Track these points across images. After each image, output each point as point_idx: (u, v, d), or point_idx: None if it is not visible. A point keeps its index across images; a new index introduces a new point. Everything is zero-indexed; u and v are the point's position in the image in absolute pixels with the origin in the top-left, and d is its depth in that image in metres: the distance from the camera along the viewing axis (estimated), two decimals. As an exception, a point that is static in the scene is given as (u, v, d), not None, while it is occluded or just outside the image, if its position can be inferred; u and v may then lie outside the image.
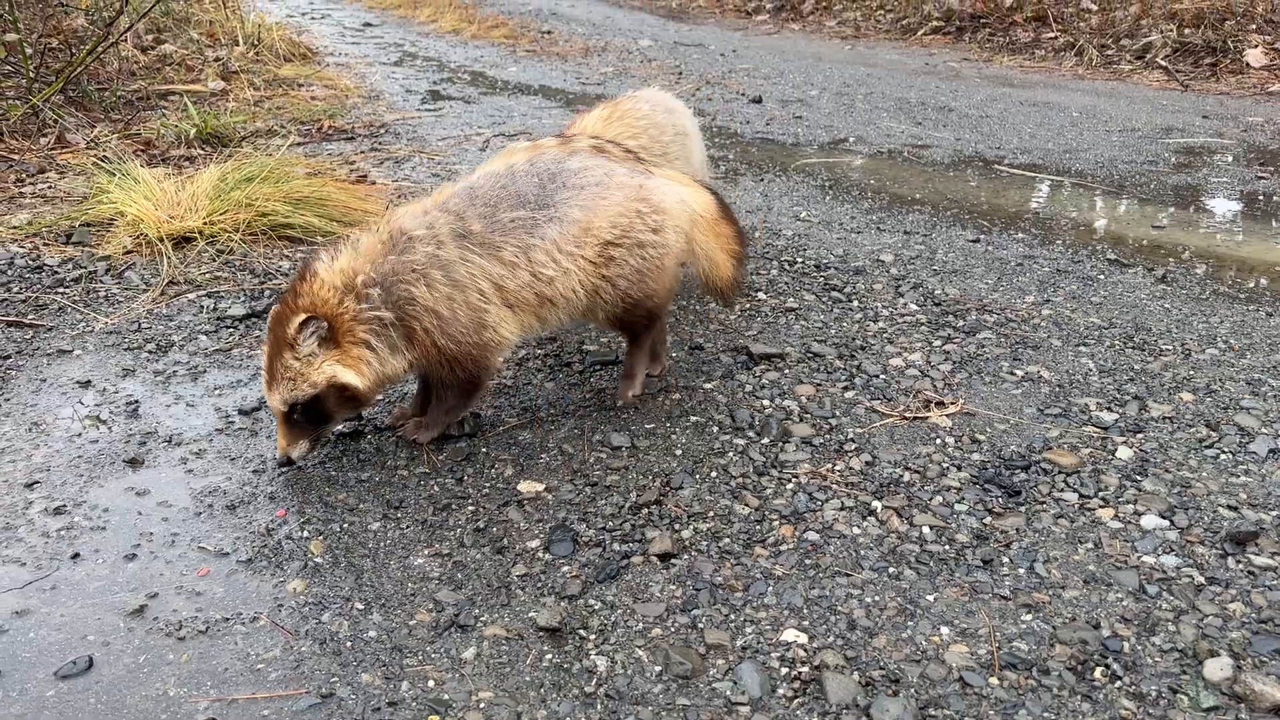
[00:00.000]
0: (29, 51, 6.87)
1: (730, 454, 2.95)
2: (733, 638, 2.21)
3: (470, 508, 2.71)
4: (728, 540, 2.55)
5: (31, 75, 6.80)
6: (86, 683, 2.06)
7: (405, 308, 2.69)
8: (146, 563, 2.44)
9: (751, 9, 14.80)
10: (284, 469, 2.81)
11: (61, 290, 4.04)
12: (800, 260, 4.55)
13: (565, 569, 2.45)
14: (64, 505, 2.66)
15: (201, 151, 6.16)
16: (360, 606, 2.31)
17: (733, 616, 2.28)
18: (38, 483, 2.76)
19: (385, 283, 2.68)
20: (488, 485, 2.82)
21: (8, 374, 3.37)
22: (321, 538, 2.56)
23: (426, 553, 2.51)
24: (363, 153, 6.58)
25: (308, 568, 2.44)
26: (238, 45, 9.45)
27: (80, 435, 3.01)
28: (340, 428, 3.05)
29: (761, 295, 4.13)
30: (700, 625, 2.25)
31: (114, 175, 4.87)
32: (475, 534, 2.59)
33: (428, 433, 3.00)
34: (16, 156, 5.87)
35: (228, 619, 2.25)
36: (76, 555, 2.46)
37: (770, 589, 2.37)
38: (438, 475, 2.86)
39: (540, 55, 11.16)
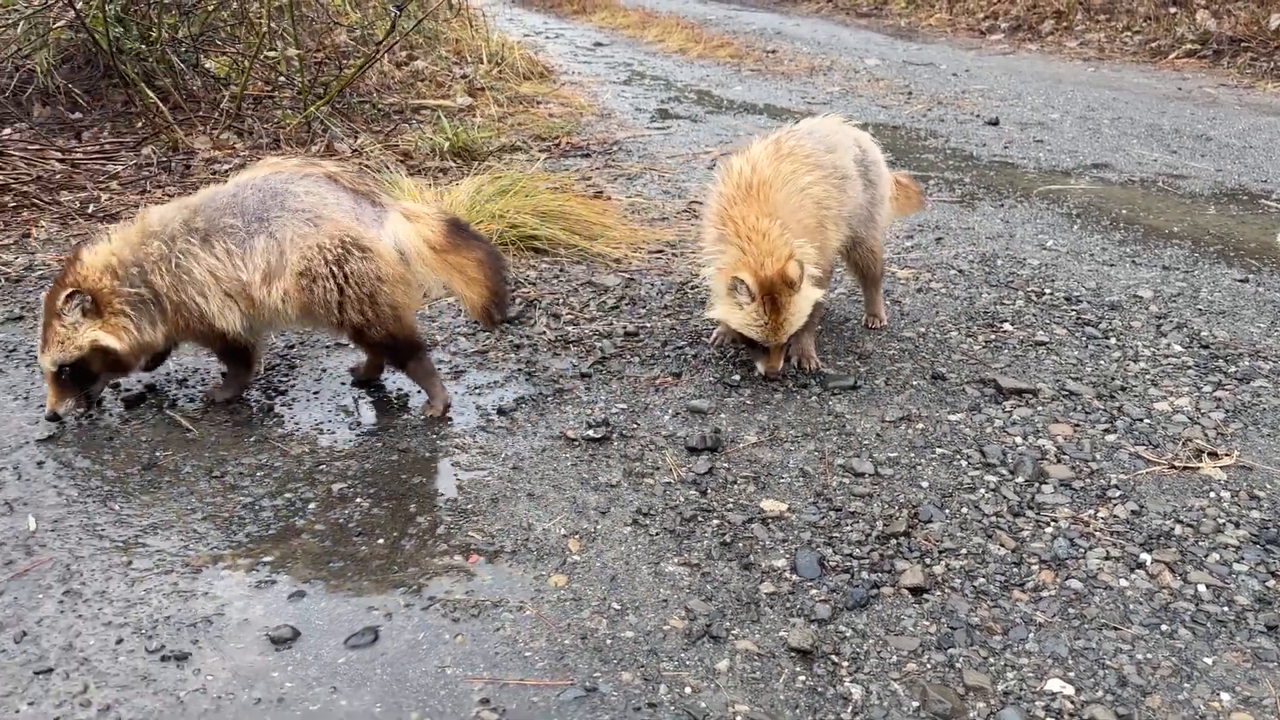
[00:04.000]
0: (298, 65, 7.53)
1: (981, 490, 2.86)
2: (993, 681, 2.15)
3: (715, 521, 2.76)
4: (983, 580, 2.48)
5: (306, 87, 7.45)
6: (372, 654, 2.24)
7: (154, 290, 3.14)
8: (421, 545, 2.62)
9: (985, 28, 14.31)
10: (51, 422, 3.22)
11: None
12: (1049, 291, 4.36)
13: (813, 592, 2.45)
14: (346, 488, 2.90)
15: (453, 164, 6.56)
16: (617, 607, 2.39)
17: (992, 660, 2.21)
18: (322, 464, 3.02)
19: (138, 267, 3.14)
20: (731, 500, 2.86)
21: (293, 362, 3.71)
22: (577, 537, 2.67)
23: (676, 561, 2.58)
24: (597, 169, 6.81)
25: (566, 564, 2.55)
26: (482, 63, 9.99)
27: (359, 423, 3.27)
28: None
29: (1008, 326, 3.99)
30: (958, 665, 2.20)
31: (382, 184, 5.26)
32: (722, 547, 2.63)
33: (222, 393, 3.41)
34: (293, 163, 6.44)
35: (496, 605, 2.39)
36: (360, 533, 2.67)
37: (1031, 635, 2.29)
38: (682, 485, 2.93)
39: (765, 74, 11.21)
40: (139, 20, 6.96)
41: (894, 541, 2.64)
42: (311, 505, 2.80)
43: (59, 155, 6.15)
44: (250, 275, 3.10)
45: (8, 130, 6.48)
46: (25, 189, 5.55)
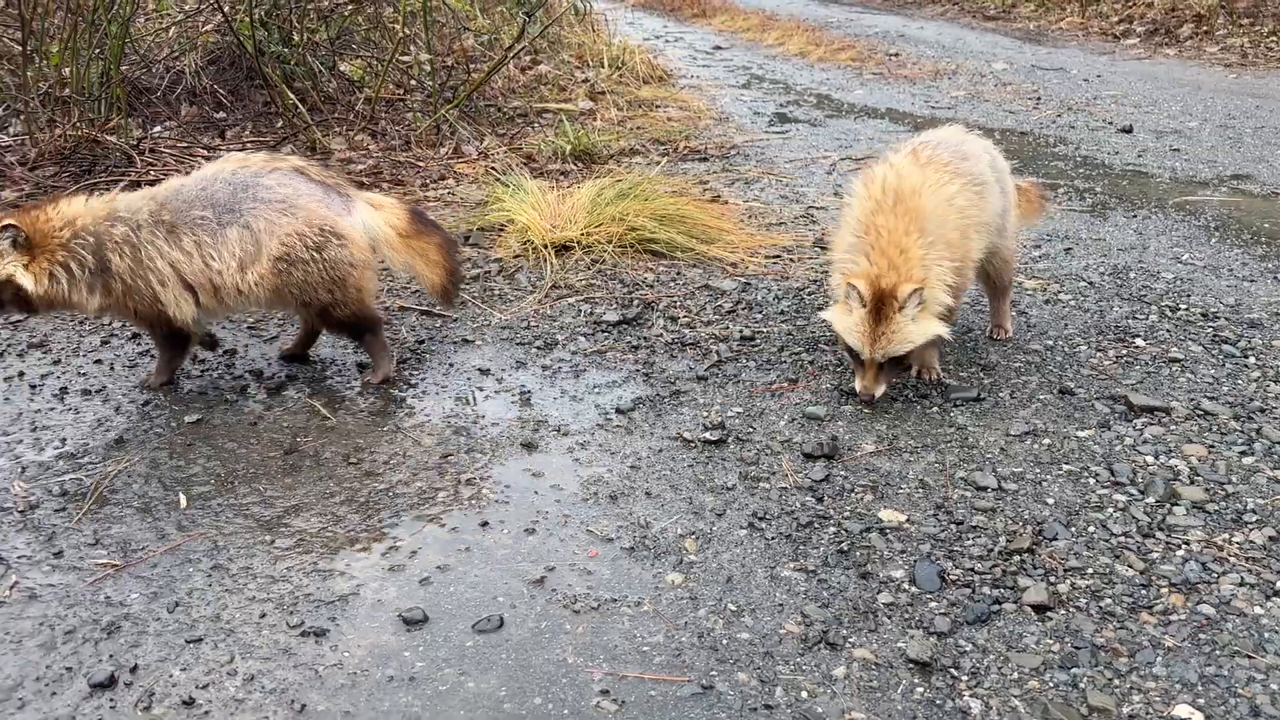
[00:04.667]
0: (429, 70, 7.78)
1: (1109, 510, 2.80)
2: (1118, 704, 2.11)
3: (831, 528, 2.76)
4: (1109, 601, 2.43)
5: (436, 91, 7.70)
6: (498, 639, 2.32)
7: (105, 265, 3.30)
8: (543, 538, 2.71)
9: (1120, 32, 13.79)
10: None
11: (462, 286, 4.54)
12: (1184, 307, 4.20)
13: (932, 604, 2.44)
14: (473, 478, 3.01)
15: (574, 167, 6.68)
16: (733, 608, 2.43)
17: (1117, 682, 2.17)
18: (450, 455, 3.14)
19: (97, 240, 3.30)
20: (848, 509, 2.86)
21: (422, 356, 3.86)
22: (694, 537, 2.71)
23: (792, 566, 2.60)
24: (715, 173, 6.84)
25: (683, 563, 2.60)
26: (603, 67, 10.14)
27: (484, 417, 3.39)
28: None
29: (1140, 341, 3.87)
30: (1081, 685, 2.16)
31: (508, 186, 5.41)
32: (838, 555, 2.64)
33: (157, 378, 3.59)
34: (422, 164, 6.67)
35: (615, 600, 2.45)
36: (485, 523, 2.78)
37: (1159, 659, 2.23)
38: (798, 491, 2.94)
39: (887, 78, 11.05)
40: (281, 25, 7.31)
41: (1017, 558, 2.60)
42: (441, 494, 2.92)
43: (204, 153, 6.50)
44: (222, 264, 3.32)
45: (158, 128, 6.88)
46: (176, 185, 5.89)
